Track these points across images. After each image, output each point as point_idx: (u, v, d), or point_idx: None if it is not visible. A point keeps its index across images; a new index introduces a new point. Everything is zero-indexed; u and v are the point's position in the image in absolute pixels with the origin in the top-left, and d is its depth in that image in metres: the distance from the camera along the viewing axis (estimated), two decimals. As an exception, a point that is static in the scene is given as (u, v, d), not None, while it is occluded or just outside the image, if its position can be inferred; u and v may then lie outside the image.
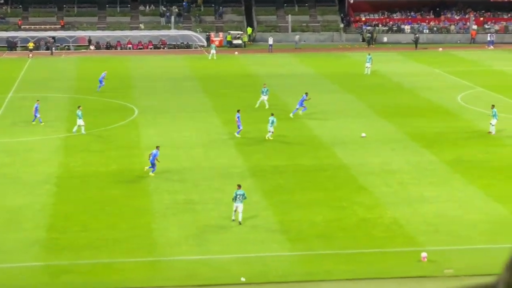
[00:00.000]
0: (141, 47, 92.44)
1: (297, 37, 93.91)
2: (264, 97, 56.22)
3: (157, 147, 41.00)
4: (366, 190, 37.98)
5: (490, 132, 48.64)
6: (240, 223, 33.33)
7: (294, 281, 28.68)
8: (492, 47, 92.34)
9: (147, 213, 34.97)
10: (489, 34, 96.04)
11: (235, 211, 33.60)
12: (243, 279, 28.46)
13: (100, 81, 63.42)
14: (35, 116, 51.35)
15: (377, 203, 36.16)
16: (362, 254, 30.66)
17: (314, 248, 31.09)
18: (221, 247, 31.23)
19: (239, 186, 34.25)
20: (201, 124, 51.60)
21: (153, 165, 40.37)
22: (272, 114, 47.70)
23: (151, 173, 40.36)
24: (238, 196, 33.49)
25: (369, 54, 74.67)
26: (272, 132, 47.09)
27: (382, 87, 65.39)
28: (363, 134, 48.12)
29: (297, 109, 53.54)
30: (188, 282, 28.45)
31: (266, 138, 47.13)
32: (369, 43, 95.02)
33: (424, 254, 30.04)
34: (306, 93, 54.57)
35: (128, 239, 31.89)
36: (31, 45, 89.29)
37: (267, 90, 56.84)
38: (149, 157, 40.55)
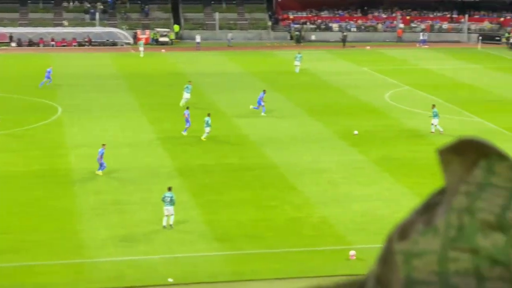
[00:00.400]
0: (65, 44, 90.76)
1: (229, 35, 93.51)
2: (187, 95, 55.43)
3: (103, 145, 40.19)
4: (295, 189, 37.83)
5: (438, 131, 48.04)
6: (171, 226, 32.68)
7: (222, 281, 28.48)
8: (426, 46, 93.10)
9: (72, 214, 34.21)
10: (421, 33, 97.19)
11: (166, 215, 32.91)
12: (170, 280, 28.21)
13: (47, 77, 62.28)
14: None
15: (306, 202, 36.07)
16: (291, 253, 30.61)
17: (242, 248, 30.90)
18: (148, 248, 30.85)
19: (169, 189, 33.61)
20: (127, 123, 50.75)
21: (100, 164, 39.47)
22: (209, 115, 46.97)
23: (98, 171, 39.35)
24: (166, 198, 32.89)
25: (299, 53, 74.60)
26: (208, 133, 46.32)
27: (310, 85, 65.44)
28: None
29: (258, 107, 53.08)
30: (115, 284, 28.04)
31: (202, 138, 46.28)
32: (297, 41, 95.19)
33: (352, 253, 30.13)
34: (264, 91, 54.21)
35: (53, 241, 31.14)
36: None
37: (190, 87, 56.00)
38: (98, 156, 39.72)
